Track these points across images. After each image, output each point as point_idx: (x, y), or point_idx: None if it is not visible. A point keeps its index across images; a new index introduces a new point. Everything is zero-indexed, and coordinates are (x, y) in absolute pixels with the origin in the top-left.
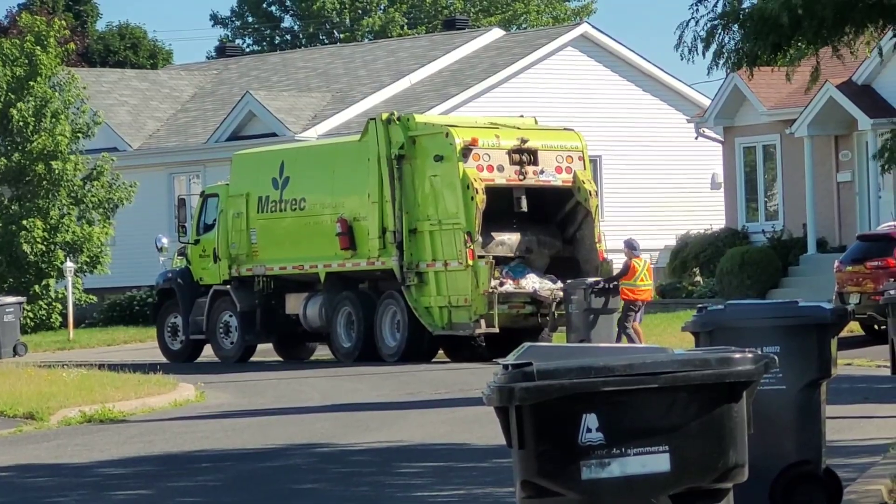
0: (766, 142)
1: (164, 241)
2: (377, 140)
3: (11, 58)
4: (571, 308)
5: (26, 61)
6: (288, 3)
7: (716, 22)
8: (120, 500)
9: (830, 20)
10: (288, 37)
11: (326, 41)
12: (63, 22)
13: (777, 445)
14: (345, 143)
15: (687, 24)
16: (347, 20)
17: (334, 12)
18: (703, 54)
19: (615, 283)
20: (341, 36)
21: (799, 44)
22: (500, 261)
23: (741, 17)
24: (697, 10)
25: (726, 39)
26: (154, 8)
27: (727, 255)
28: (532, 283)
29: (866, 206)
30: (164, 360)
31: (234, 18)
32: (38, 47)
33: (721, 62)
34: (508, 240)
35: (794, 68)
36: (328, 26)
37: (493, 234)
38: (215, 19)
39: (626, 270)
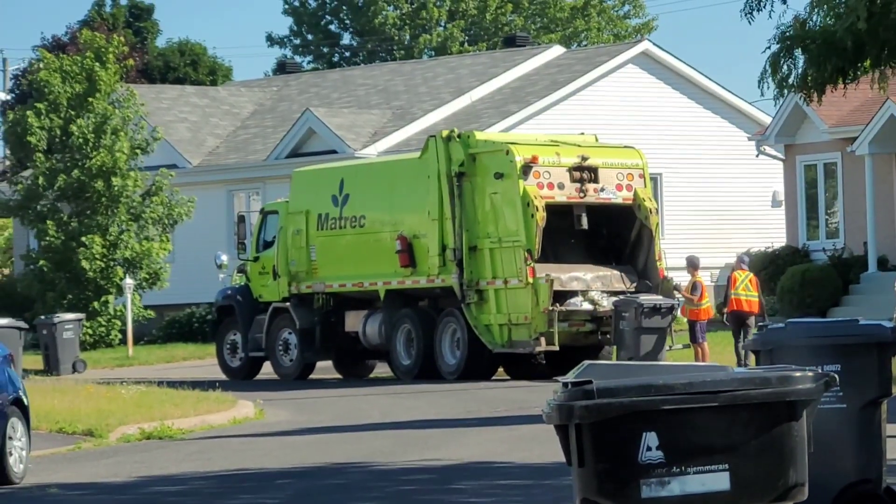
0: (827, 160)
1: (224, 258)
2: (437, 157)
3: (71, 74)
4: (623, 325)
5: (86, 78)
6: (347, 21)
7: (779, 46)
8: None
9: (893, 42)
10: (347, 53)
11: (386, 58)
12: (122, 38)
13: (837, 464)
14: (405, 160)
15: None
16: (407, 37)
17: (394, 29)
18: (770, 81)
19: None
20: (400, 53)
21: (862, 67)
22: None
23: (804, 41)
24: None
25: (789, 67)
26: (214, 25)
27: (788, 274)
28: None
29: None
30: (223, 377)
31: (291, 37)
32: (98, 64)
33: (786, 91)
34: (583, 276)
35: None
36: (388, 43)
37: (567, 268)
38: (272, 40)
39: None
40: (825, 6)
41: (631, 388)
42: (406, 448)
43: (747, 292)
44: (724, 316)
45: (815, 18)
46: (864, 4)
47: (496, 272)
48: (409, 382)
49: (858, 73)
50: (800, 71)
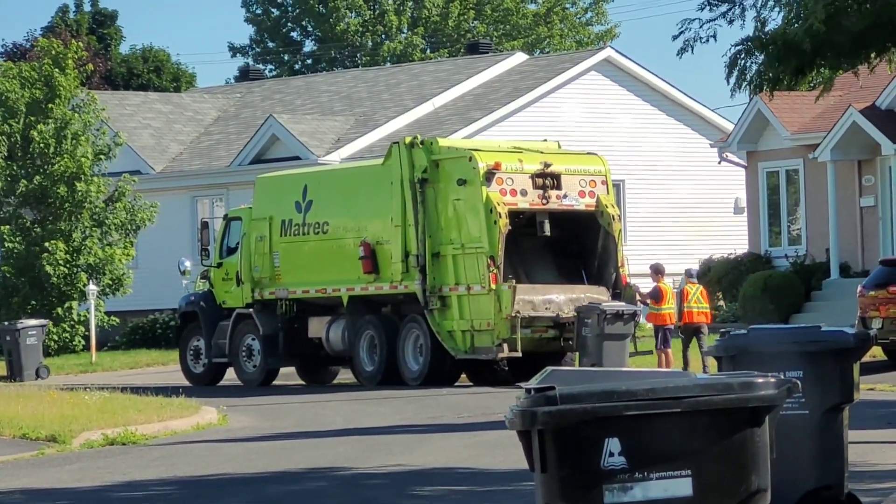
0: (790, 166)
1: (187, 264)
2: (400, 164)
3: (30, 81)
4: (585, 332)
5: (44, 84)
6: (310, 28)
7: (739, 47)
8: None
9: (846, 46)
10: (309, 61)
11: (348, 64)
12: (80, 44)
13: (799, 470)
14: (368, 166)
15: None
16: (369, 43)
17: (356, 36)
18: (728, 80)
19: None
20: (362, 60)
21: (820, 68)
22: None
23: (764, 41)
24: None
25: (749, 64)
26: (177, 32)
27: (750, 280)
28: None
29: (889, 230)
30: (186, 383)
31: (253, 45)
32: (57, 70)
33: (744, 85)
34: (557, 298)
35: (822, 92)
36: (349, 50)
37: (541, 289)
38: (234, 49)
39: (681, 296)
40: (786, 9)
41: (593, 393)
42: (369, 454)
43: (699, 304)
44: (678, 328)
45: (775, 17)
46: (822, 6)
47: (459, 278)
48: (372, 388)
49: (819, 73)
50: (759, 68)
